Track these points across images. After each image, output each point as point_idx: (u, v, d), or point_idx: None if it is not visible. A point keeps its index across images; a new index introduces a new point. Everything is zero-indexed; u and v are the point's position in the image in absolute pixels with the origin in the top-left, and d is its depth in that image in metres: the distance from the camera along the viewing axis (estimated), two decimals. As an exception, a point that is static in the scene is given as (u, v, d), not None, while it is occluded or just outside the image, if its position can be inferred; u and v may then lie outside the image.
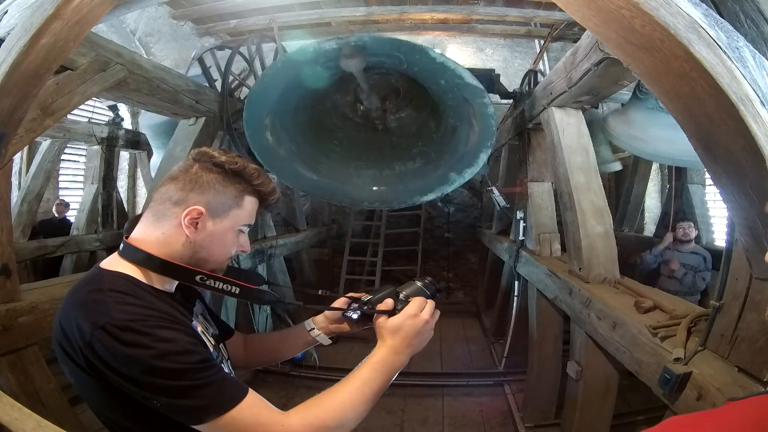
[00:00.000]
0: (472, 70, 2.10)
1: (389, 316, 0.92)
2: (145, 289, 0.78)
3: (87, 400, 0.78)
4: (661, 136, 2.75)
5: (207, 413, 0.70)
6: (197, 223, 0.83)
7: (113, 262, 0.82)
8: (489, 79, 3.09)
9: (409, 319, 0.90)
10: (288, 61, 2.26)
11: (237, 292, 0.87)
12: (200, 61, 3.24)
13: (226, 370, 0.87)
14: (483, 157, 2.19)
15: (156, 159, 3.79)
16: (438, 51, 2.19)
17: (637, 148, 3.22)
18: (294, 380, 3.73)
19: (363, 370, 0.85)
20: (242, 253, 0.94)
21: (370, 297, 0.98)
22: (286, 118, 2.30)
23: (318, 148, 2.51)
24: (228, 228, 0.87)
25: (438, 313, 0.95)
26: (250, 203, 0.89)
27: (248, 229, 0.92)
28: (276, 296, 1.00)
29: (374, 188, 2.44)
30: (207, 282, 0.84)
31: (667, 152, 2.87)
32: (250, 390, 0.75)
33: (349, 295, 1.05)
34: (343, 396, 0.80)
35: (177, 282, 0.87)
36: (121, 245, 0.84)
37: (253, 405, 0.74)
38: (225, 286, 0.85)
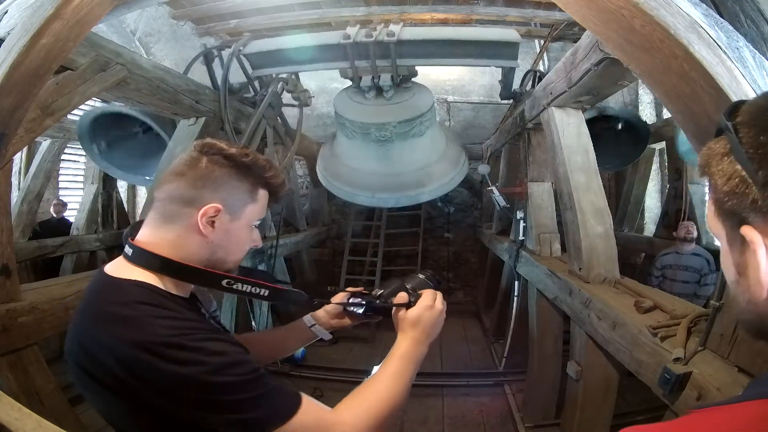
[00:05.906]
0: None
1: (406, 309, 0.92)
2: (168, 298, 0.72)
3: (109, 419, 0.73)
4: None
5: (271, 423, 0.67)
6: (214, 222, 0.77)
7: (122, 269, 0.75)
8: (513, 50, 3.35)
9: (427, 311, 0.91)
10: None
11: (266, 294, 0.83)
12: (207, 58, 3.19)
13: None
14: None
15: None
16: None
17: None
18: (294, 380, 3.72)
19: (392, 364, 0.84)
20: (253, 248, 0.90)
21: (381, 291, 0.99)
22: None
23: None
24: (244, 224, 0.82)
25: (445, 303, 0.96)
26: (263, 197, 0.85)
27: (259, 224, 0.89)
28: (306, 296, 0.93)
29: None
30: (234, 286, 0.79)
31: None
32: (301, 392, 0.73)
33: (349, 289, 1.06)
34: (382, 393, 0.80)
35: (191, 287, 0.81)
36: (130, 250, 0.76)
37: (313, 407, 0.72)
38: (253, 288, 0.81)
